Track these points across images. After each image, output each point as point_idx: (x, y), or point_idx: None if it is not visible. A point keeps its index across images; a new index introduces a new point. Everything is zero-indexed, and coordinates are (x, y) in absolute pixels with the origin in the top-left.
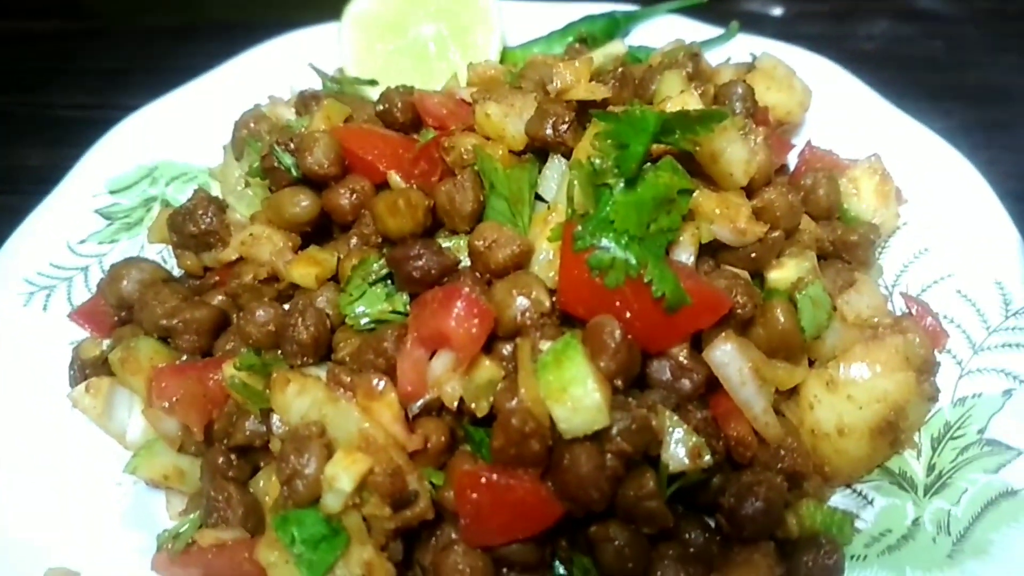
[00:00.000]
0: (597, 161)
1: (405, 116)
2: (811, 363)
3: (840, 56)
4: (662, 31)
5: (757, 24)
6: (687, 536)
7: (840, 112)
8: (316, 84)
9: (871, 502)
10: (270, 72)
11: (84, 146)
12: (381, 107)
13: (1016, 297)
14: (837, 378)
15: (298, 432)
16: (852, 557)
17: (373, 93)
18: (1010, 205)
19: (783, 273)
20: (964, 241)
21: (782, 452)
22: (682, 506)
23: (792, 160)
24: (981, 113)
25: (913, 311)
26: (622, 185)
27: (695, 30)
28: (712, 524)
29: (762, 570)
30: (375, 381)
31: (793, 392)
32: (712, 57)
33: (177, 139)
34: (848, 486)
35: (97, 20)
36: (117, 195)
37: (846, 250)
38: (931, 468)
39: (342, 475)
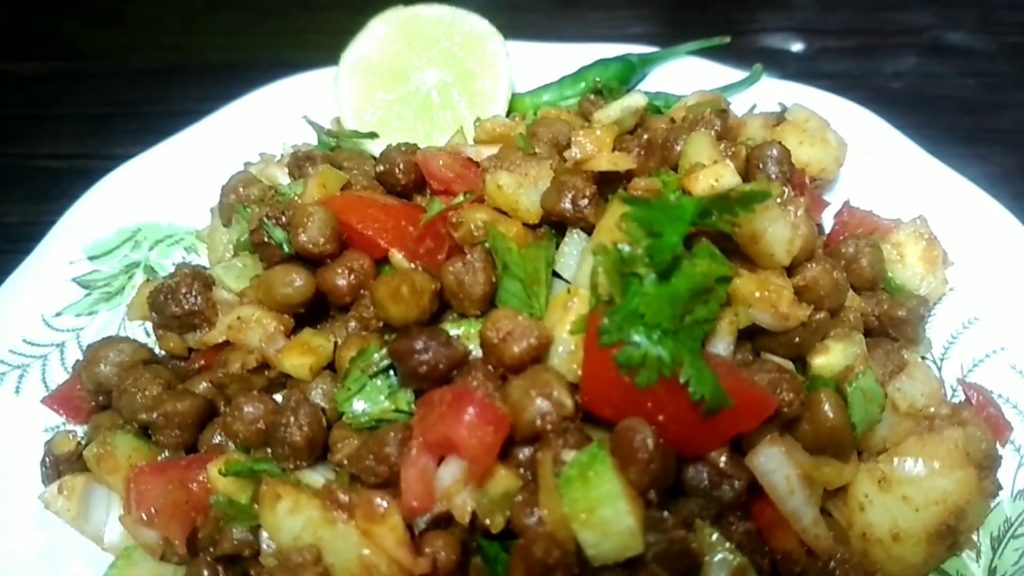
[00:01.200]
0: (626, 248)
1: (407, 178)
2: (859, 454)
3: (867, 96)
4: (680, 74)
5: (778, 61)
6: None
7: (877, 165)
8: (311, 136)
9: None
10: (261, 123)
11: (65, 199)
12: (381, 168)
13: None
14: (890, 475)
15: (290, 559)
16: None
17: (373, 146)
18: None
19: (829, 359)
20: (1016, 308)
21: (833, 565)
22: None
23: (827, 219)
24: (1021, 158)
25: (973, 400)
26: (653, 276)
27: (714, 72)
28: None
29: None
30: (377, 501)
31: (840, 489)
32: (735, 102)
33: (161, 198)
34: None
35: (81, 62)
36: (96, 261)
37: (893, 326)
38: (992, 572)
39: None
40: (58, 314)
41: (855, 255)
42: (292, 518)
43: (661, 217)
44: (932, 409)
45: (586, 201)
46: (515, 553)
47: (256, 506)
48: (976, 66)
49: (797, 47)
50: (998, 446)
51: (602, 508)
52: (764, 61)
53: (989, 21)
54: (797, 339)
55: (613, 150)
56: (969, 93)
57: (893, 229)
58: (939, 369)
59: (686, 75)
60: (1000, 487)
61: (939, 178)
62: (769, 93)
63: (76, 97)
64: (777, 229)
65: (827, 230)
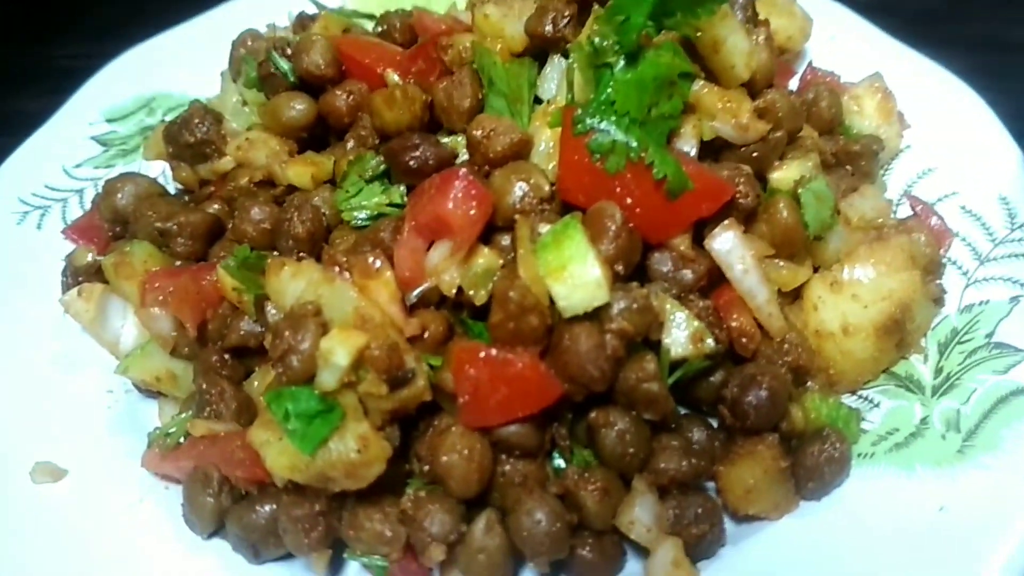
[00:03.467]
0: (597, 40)
1: (403, 36)
2: (815, 270)
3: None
4: None
5: None
6: (689, 434)
7: (840, 45)
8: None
9: (877, 405)
10: (270, 10)
11: None
12: (380, 28)
13: (1021, 211)
14: (841, 279)
15: (293, 311)
16: (859, 455)
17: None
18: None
19: (786, 173)
20: (967, 161)
21: (786, 346)
22: (684, 406)
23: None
24: (982, 60)
25: (917, 211)
26: (622, 64)
27: None
28: (714, 425)
29: (767, 461)
30: (371, 259)
31: (796, 297)
32: None
33: (175, 73)
34: (853, 392)
35: None
36: (114, 123)
37: (849, 161)
38: (939, 371)
39: (338, 349)
40: (78, 165)
41: (815, 99)
42: (295, 281)
43: (628, 1)
44: (881, 221)
45: (566, 20)
46: (494, 302)
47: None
48: None
49: None
50: (941, 253)
51: (573, 264)
52: None
53: None
54: (756, 153)
55: None
56: (935, 6)
57: (851, 87)
58: (894, 213)
59: None
60: (944, 292)
61: (897, 53)
62: None
63: (92, 7)
64: (737, 40)
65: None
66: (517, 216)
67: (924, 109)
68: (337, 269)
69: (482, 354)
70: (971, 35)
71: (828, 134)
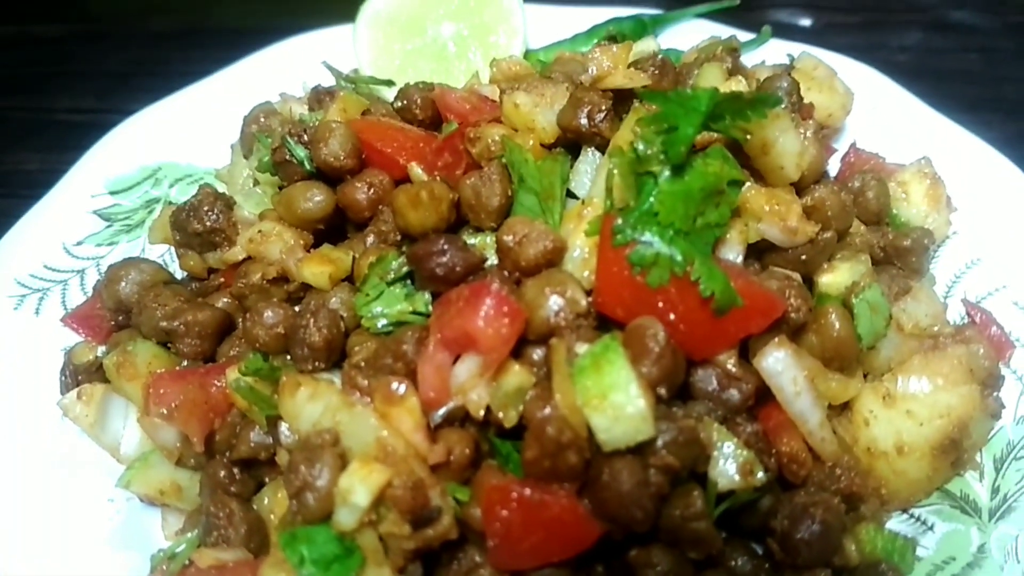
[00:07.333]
0: (641, 147)
1: (424, 113)
2: (864, 377)
3: (873, 67)
4: (690, 36)
5: (786, 35)
6: (733, 564)
7: (882, 118)
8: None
9: (931, 528)
10: (280, 73)
11: (83, 150)
12: (399, 103)
13: None
14: (895, 392)
15: (309, 441)
16: None
17: (390, 94)
18: None
19: (836, 277)
20: (1017, 250)
21: (838, 471)
22: (727, 531)
23: (833, 166)
24: (1022, 126)
25: (976, 319)
26: (668, 174)
27: (724, 33)
28: (759, 552)
29: None
30: (394, 385)
31: (844, 408)
32: (745, 61)
33: (181, 141)
34: (905, 511)
35: (100, 24)
36: (117, 196)
37: (898, 256)
38: (995, 491)
39: (358, 488)
40: (79, 243)
41: (861, 188)
42: (311, 404)
43: (677, 110)
44: (936, 328)
45: (602, 115)
46: (529, 435)
47: (276, 398)
48: (979, 42)
49: (804, 21)
50: (1001, 365)
51: (614, 393)
52: (773, 34)
53: (993, 1)
54: (804, 256)
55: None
56: (972, 67)
57: (898, 170)
58: (946, 305)
59: (696, 37)
60: (1003, 406)
61: (942, 130)
62: (777, 54)
63: (95, 57)
64: (787, 140)
65: (833, 177)
66: (552, 341)
67: (970, 191)
68: (358, 394)
69: (515, 494)
70: (1009, 98)
71: (874, 224)
